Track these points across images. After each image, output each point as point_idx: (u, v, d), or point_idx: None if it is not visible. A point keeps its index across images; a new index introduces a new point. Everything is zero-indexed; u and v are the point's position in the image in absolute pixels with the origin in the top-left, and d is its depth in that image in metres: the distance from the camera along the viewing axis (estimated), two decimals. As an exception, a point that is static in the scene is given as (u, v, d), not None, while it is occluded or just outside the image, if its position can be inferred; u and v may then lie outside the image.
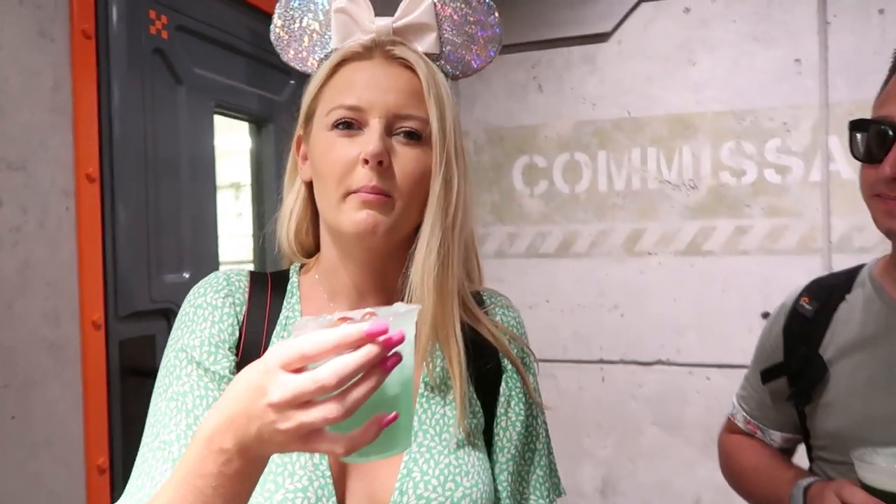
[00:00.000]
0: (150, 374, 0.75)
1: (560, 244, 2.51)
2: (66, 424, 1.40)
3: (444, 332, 0.76)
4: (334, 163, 0.73)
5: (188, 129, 1.75)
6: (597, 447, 2.50)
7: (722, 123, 2.31)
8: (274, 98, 2.06)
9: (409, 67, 0.75)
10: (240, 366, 0.75)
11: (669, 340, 2.39)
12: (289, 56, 0.84)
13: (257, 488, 0.68)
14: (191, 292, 0.80)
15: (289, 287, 0.83)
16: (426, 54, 0.77)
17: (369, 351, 0.52)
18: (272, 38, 0.84)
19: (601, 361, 2.48)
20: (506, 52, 2.48)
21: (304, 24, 0.83)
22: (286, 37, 0.83)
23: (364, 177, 0.72)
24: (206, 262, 1.81)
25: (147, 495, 0.69)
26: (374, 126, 0.73)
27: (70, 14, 1.42)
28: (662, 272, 2.40)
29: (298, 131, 0.82)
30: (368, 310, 0.56)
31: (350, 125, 0.74)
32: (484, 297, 0.86)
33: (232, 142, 2.15)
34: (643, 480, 2.44)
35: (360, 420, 0.54)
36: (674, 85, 2.35)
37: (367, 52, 0.76)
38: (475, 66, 0.81)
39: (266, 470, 0.66)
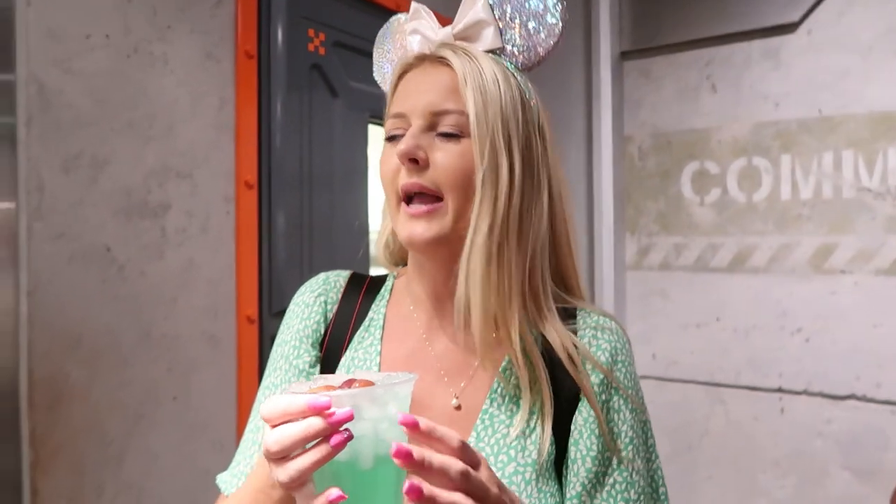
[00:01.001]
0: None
1: (734, 258, 2.27)
2: (221, 409, 1.54)
3: (504, 331, 0.72)
4: (385, 171, 0.75)
5: (343, 139, 1.85)
6: (773, 486, 2.22)
7: (942, 120, 1.95)
8: (431, 107, 2.11)
9: (450, 65, 0.74)
10: (324, 360, 0.80)
11: (867, 373, 2.06)
12: (385, 86, 0.87)
13: None
14: (296, 292, 0.86)
15: (382, 290, 0.85)
16: (490, 51, 0.75)
17: (310, 424, 0.52)
18: (375, 75, 0.89)
19: (780, 391, 2.21)
20: (676, 50, 2.31)
21: (390, 56, 0.87)
22: (381, 73, 0.89)
23: (403, 176, 0.73)
24: (357, 265, 1.90)
25: (241, 473, 0.78)
26: (413, 127, 0.73)
27: (235, 36, 1.57)
28: (859, 294, 2.07)
29: None
30: (365, 378, 0.55)
31: (396, 136, 0.75)
32: (578, 314, 0.79)
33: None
34: (830, 532, 2.13)
35: (323, 486, 0.54)
36: (878, 78, 2.02)
37: (419, 61, 0.77)
38: (541, 52, 0.76)
39: None
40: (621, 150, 2.45)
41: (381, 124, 2.02)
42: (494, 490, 0.53)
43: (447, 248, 0.74)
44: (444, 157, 0.72)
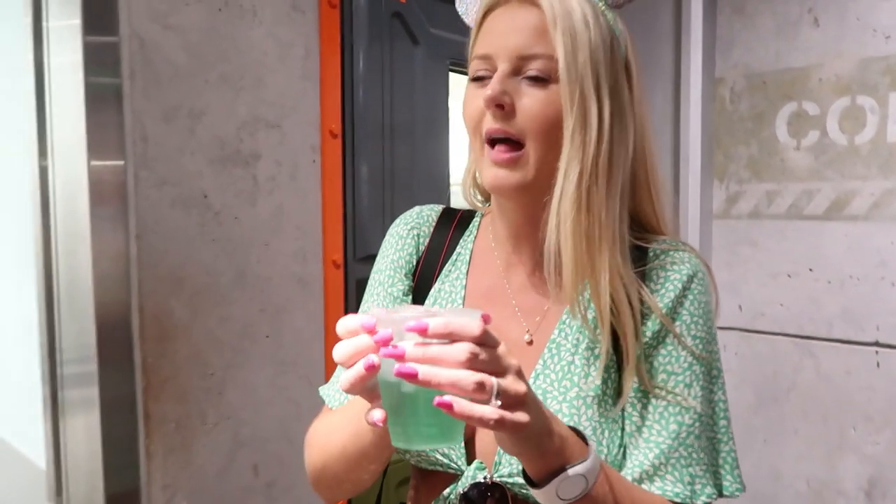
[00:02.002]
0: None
1: (831, 204, 2.15)
2: (310, 348, 1.64)
3: (593, 281, 0.72)
4: (470, 114, 0.76)
5: (424, 88, 1.87)
6: (865, 442, 2.14)
7: None
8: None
9: (538, 5, 0.72)
10: (416, 290, 0.85)
11: (976, 327, 1.94)
12: (468, 20, 0.85)
13: None
14: (392, 223, 0.91)
15: (470, 226, 0.88)
16: None
17: (357, 342, 0.57)
18: (458, 6, 0.86)
19: (877, 344, 2.10)
20: (774, -18, 2.16)
21: None
22: (464, 3, 0.86)
23: (488, 121, 0.73)
24: (438, 212, 1.94)
25: (341, 401, 0.83)
26: (499, 69, 0.72)
27: (318, -13, 1.60)
28: (971, 243, 1.93)
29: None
30: (434, 308, 0.61)
31: (482, 78, 0.75)
32: (650, 251, 0.78)
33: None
34: (925, 490, 2.04)
35: (383, 399, 0.59)
36: None
37: None
38: None
39: None
40: (711, 93, 2.34)
41: (461, 72, 2.03)
42: (513, 362, 0.57)
43: (528, 193, 0.75)
44: (530, 103, 0.72)
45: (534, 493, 0.62)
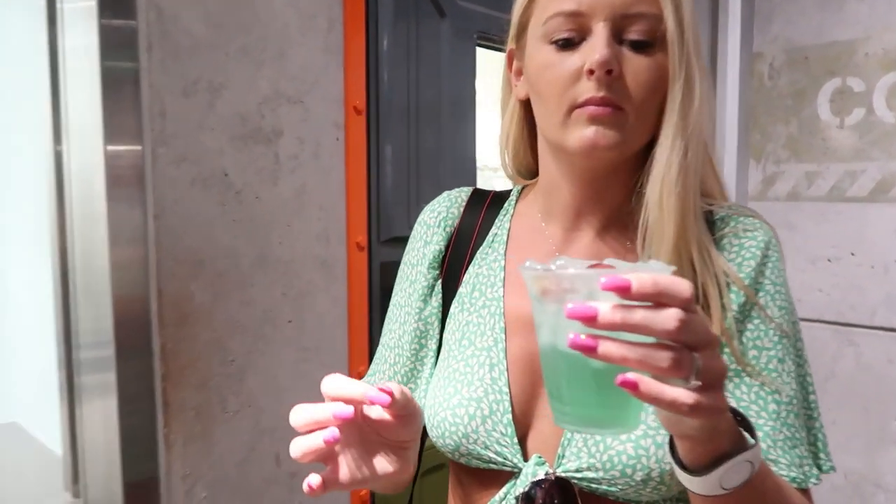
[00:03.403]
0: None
1: (876, 185, 2.05)
2: (333, 333, 1.58)
3: (686, 256, 0.67)
4: (556, 79, 0.67)
5: (451, 63, 1.79)
6: (908, 434, 2.06)
7: None
8: (540, 27, 2.00)
9: None
10: (446, 277, 0.80)
11: None
12: None
13: (439, 391, 0.74)
14: (421, 212, 0.86)
15: (506, 204, 0.82)
16: None
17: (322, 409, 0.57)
18: None
19: (923, 332, 2.02)
20: (819, -49, 2.06)
21: None
22: None
23: (590, 88, 0.65)
24: (465, 193, 1.87)
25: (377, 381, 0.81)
26: (600, 31, 0.64)
27: (341, -45, 1.53)
28: None
29: (510, 45, 0.77)
30: (607, 261, 0.49)
31: (570, 42, 0.66)
32: (716, 220, 0.72)
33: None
34: (972, 484, 1.96)
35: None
36: None
37: None
38: None
39: (449, 376, 0.74)
40: (749, 69, 2.24)
41: (489, 46, 1.95)
42: (715, 332, 0.50)
43: (618, 157, 0.69)
44: (636, 70, 0.65)
45: (688, 480, 0.54)
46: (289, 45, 1.43)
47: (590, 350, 0.43)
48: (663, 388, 0.44)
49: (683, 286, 0.44)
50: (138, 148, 1.23)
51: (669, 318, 0.43)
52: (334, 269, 1.57)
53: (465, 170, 1.87)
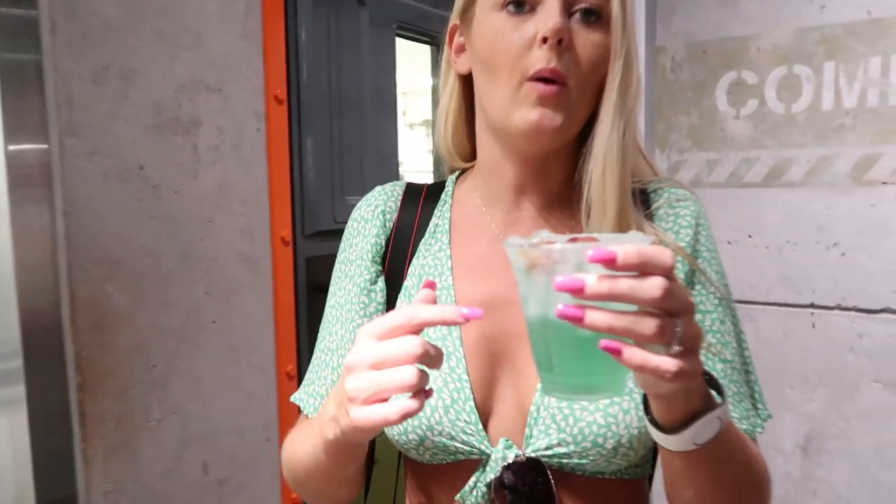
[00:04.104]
0: (332, 290, 0.83)
1: (769, 172, 2.21)
2: (260, 332, 1.52)
3: (627, 231, 0.68)
4: (507, 47, 0.67)
5: (371, 51, 1.76)
6: (801, 401, 2.23)
7: None
8: (456, 18, 2.00)
9: None
10: (388, 272, 0.78)
11: (903, 287, 2.04)
12: None
13: None
14: (354, 207, 0.83)
15: (443, 195, 0.81)
16: None
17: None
18: None
19: (812, 306, 2.19)
20: (714, -49, 2.18)
21: None
22: None
23: (542, 58, 0.65)
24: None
25: (315, 392, 0.78)
26: (552, 2, 0.65)
27: (257, -63, 1.46)
28: (900, 206, 2.02)
29: (453, 20, 0.76)
30: (589, 235, 0.51)
31: (521, 5, 0.67)
32: (650, 194, 0.75)
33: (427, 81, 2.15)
34: (858, 443, 2.15)
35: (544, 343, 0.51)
36: (933, -25, 1.91)
37: None
38: None
39: None
40: (653, 62, 2.34)
41: (408, 36, 1.93)
42: (692, 298, 0.51)
43: (561, 139, 0.70)
44: (583, 44, 0.67)
45: (662, 438, 0.56)
46: (207, 30, 1.36)
47: (577, 320, 0.45)
48: (647, 356, 0.46)
49: (665, 255, 0.46)
50: (43, 141, 1.13)
51: (654, 286, 0.45)
52: (259, 266, 1.51)
53: (388, 161, 1.85)
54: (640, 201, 0.72)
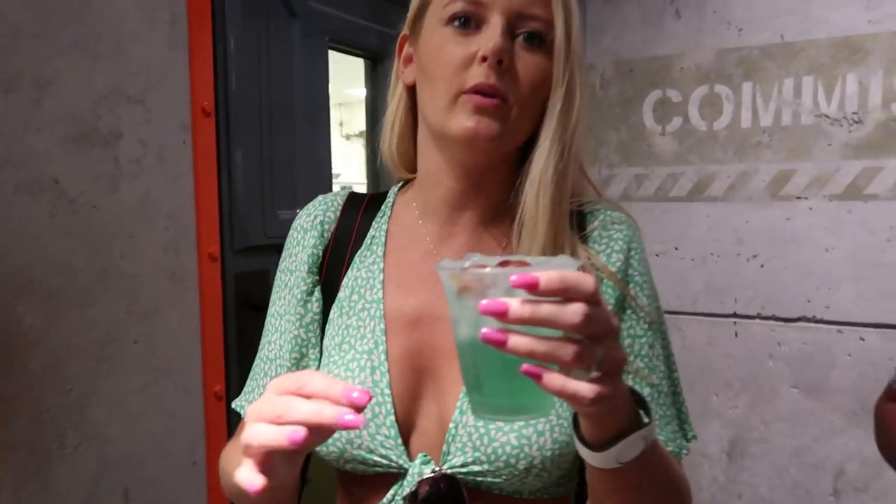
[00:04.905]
0: (263, 307, 0.84)
1: (693, 187, 2.29)
2: (186, 351, 1.47)
3: (560, 251, 0.69)
4: (448, 61, 0.68)
5: (303, 66, 1.73)
6: (725, 407, 2.32)
7: (899, 46, 1.97)
8: (391, 33, 2.00)
9: None
10: (324, 282, 0.77)
11: (818, 296, 2.14)
12: None
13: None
14: (295, 217, 0.82)
15: (383, 206, 0.81)
16: None
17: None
18: None
19: (735, 315, 2.28)
20: (639, -27, 2.25)
21: None
22: None
23: (480, 74, 0.66)
24: (320, 199, 1.82)
25: (255, 400, 0.74)
26: (496, 23, 0.66)
27: (183, -55, 1.42)
28: (813, 219, 2.13)
29: (404, 31, 0.77)
30: (519, 257, 0.51)
31: (468, 21, 0.67)
32: (586, 215, 0.76)
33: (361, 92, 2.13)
34: (778, 445, 2.24)
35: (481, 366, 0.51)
36: (841, 2, 2.03)
37: None
38: None
39: (327, 370, 0.72)
40: (584, 79, 2.41)
41: (341, 49, 1.91)
42: (617, 322, 0.50)
43: (498, 151, 0.70)
44: (525, 67, 0.67)
45: (587, 454, 0.57)
46: (128, 39, 1.31)
47: (500, 343, 0.46)
48: (566, 382, 0.47)
49: (587, 281, 0.47)
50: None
51: (575, 312, 0.46)
52: (185, 282, 1.46)
53: (320, 175, 1.82)
54: (575, 223, 0.73)
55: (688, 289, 2.33)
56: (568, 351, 0.46)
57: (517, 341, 0.46)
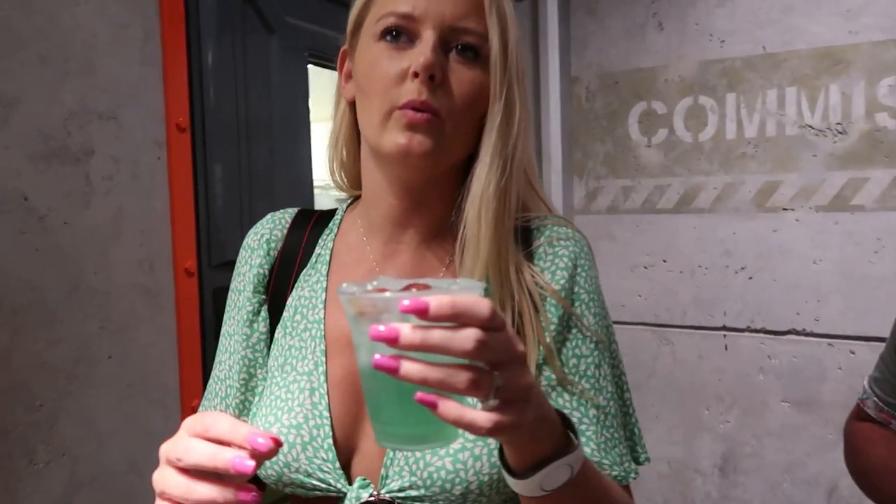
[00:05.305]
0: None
1: (680, 198, 2.28)
2: (161, 367, 1.46)
3: (505, 271, 0.68)
4: (381, 77, 0.66)
5: (281, 81, 1.74)
6: (717, 421, 2.29)
7: (881, 55, 1.97)
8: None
9: None
10: (270, 303, 0.76)
11: (807, 308, 2.12)
12: None
13: (258, 420, 0.71)
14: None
15: (330, 224, 0.80)
16: None
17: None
18: None
19: (724, 329, 2.26)
20: (622, -14, 2.26)
21: None
22: None
23: (412, 90, 0.65)
24: (301, 214, 1.82)
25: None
26: (428, 37, 0.65)
27: (157, -38, 1.44)
28: (800, 230, 2.11)
29: (344, 46, 0.76)
30: (423, 281, 0.49)
31: (399, 35, 0.67)
32: (532, 231, 0.74)
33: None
34: (770, 460, 2.21)
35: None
36: (821, 13, 2.03)
37: None
38: None
39: (270, 404, 0.70)
40: (568, 92, 2.41)
41: (321, 64, 1.92)
42: (520, 348, 0.48)
43: (434, 167, 0.69)
44: (458, 81, 0.66)
45: (512, 482, 0.55)
46: (97, 56, 1.32)
47: (392, 370, 0.44)
48: (463, 411, 0.45)
49: (482, 306, 0.45)
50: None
51: (467, 338, 0.44)
52: (160, 298, 1.45)
53: (300, 189, 1.82)
54: (520, 239, 0.72)
55: (677, 301, 2.32)
56: (461, 378, 0.44)
57: (409, 368, 0.44)
